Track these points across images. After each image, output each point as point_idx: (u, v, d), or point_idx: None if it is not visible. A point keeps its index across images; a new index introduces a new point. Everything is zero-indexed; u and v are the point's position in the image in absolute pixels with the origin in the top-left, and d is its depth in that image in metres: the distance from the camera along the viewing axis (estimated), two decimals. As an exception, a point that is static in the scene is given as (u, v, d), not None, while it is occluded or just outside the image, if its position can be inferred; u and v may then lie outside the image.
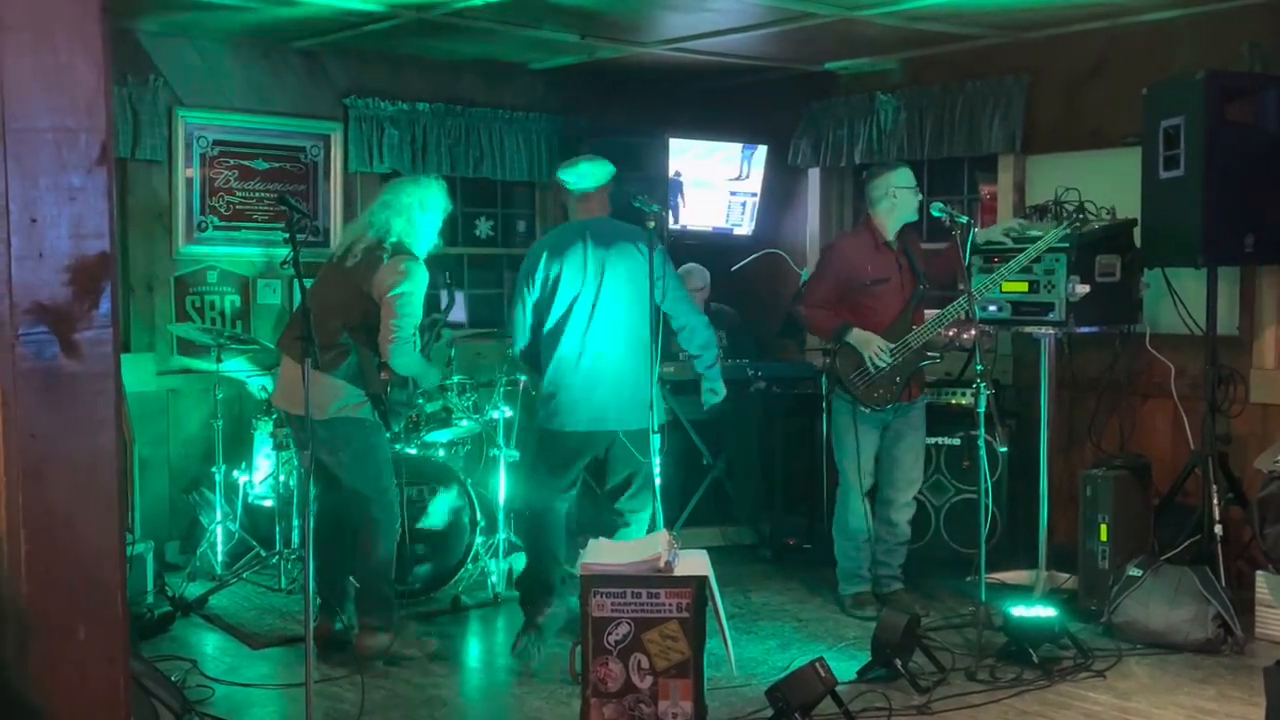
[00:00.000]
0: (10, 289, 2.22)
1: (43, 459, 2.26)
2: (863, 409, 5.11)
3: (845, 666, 4.34)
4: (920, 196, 5.28)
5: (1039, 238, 5.08)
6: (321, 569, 4.72)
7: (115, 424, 2.36)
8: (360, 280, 4.48)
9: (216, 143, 6.14)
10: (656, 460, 4.75)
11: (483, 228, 7.25)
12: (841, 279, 5.21)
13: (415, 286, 4.47)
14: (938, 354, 5.22)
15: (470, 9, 5.34)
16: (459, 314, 7.13)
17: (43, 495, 2.25)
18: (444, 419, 5.63)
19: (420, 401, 5.43)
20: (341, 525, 4.75)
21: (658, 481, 4.76)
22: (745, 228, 7.13)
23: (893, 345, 5.09)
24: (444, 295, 5.25)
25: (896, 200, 5.17)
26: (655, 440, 4.73)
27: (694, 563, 3.92)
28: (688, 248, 6.69)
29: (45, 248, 2.26)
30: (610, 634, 3.73)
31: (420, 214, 4.59)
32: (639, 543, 4.22)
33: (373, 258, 4.48)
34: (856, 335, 5.10)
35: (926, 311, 5.25)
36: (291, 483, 5.52)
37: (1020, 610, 4.53)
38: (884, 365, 5.06)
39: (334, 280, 4.57)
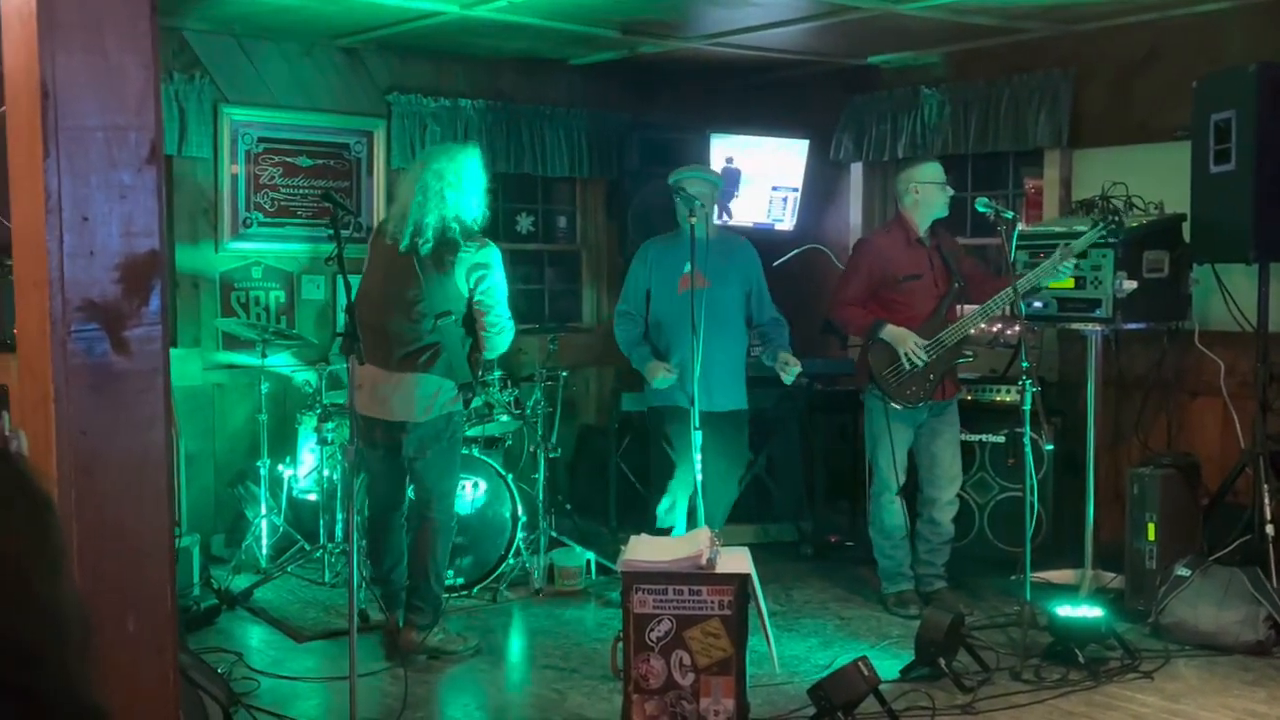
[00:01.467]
0: (62, 286, 2.25)
1: (93, 455, 2.29)
2: (894, 406, 5.07)
3: (888, 665, 4.30)
4: (950, 192, 5.22)
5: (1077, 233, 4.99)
6: (376, 564, 4.75)
7: (164, 420, 2.38)
8: (440, 277, 4.47)
9: (261, 139, 6.19)
10: (698, 458, 4.76)
11: (524, 223, 7.26)
12: (874, 275, 5.17)
13: (496, 270, 4.52)
14: (972, 353, 5.17)
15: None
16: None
17: (93, 491, 2.28)
18: (485, 414, 5.65)
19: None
20: (399, 522, 4.77)
21: (699, 479, 4.77)
22: (787, 223, 7.09)
23: (927, 342, 5.04)
24: None
25: (920, 196, 5.13)
26: (697, 437, 4.74)
27: (736, 560, 3.90)
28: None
29: (96, 245, 2.29)
30: (652, 630, 3.73)
31: (469, 187, 4.56)
32: (681, 539, 4.22)
33: (445, 251, 4.46)
34: (891, 331, 5.05)
35: (966, 308, 5.20)
36: (335, 477, 5.56)
37: (1066, 610, 4.48)
38: (919, 363, 5.02)
39: (410, 281, 4.48)
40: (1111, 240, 4.99)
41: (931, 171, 5.18)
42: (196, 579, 5.19)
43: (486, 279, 4.47)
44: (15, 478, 1.01)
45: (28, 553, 0.97)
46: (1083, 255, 5.02)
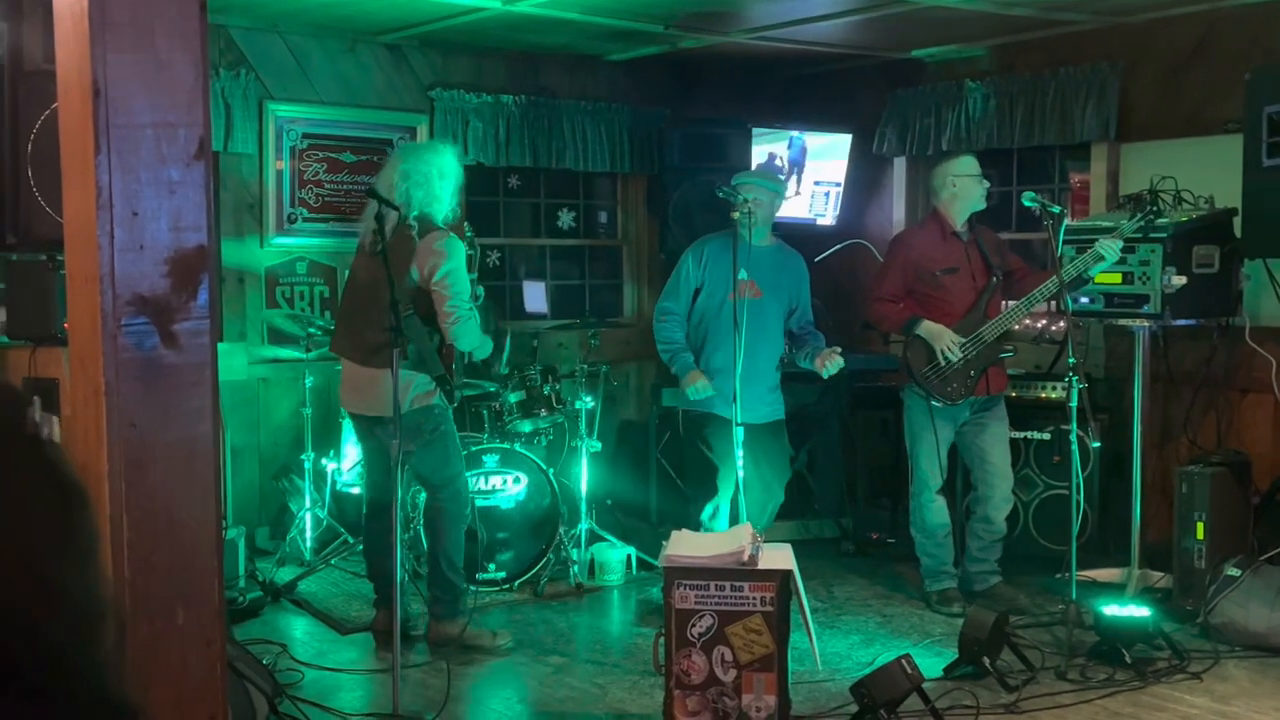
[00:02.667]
0: (113, 281, 2.27)
1: (143, 448, 2.31)
2: (935, 403, 5.02)
3: (931, 663, 4.28)
4: (987, 185, 5.17)
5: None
6: (373, 561, 4.78)
7: (213, 413, 2.40)
8: (397, 266, 4.45)
9: (306, 135, 6.23)
10: (739, 453, 4.74)
11: (565, 219, 7.27)
12: (909, 270, 5.13)
13: (457, 261, 4.46)
14: (1013, 348, 5.11)
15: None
16: (540, 305, 7.17)
17: (143, 483, 2.31)
18: (527, 408, 5.66)
19: (503, 391, 5.49)
20: (387, 520, 4.79)
21: (741, 475, 4.76)
22: (829, 218, 7.06)
23: (964, 339, 4.99)
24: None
25: (956, 189, 5.10)
26: (739, 433, 4.72)
27: (778, 556, 3.89)
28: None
29: (146, 240, 2.31)
30: (693, 626, 3.72)
31: (439, 181, 4.53)
32: (723, 535, 4.21)
33: (402, 239, 4.41)
34: (926, 328, 5.01)
35: (1006, 302, 5.15)
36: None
37: (1112, 609, 4.42)
38: (955, 360, 4.97)
39: (373, 272, 4.44)
40: (1152, 233, 4.91)
41: (968, 165, 5.14)
42: (242, 571, 5.25)
43: (440, 269, 4.40)
44: (44, 465, 0.94)
45: (55, 544, 0.91)
46: (1130, 249, 4.96)
